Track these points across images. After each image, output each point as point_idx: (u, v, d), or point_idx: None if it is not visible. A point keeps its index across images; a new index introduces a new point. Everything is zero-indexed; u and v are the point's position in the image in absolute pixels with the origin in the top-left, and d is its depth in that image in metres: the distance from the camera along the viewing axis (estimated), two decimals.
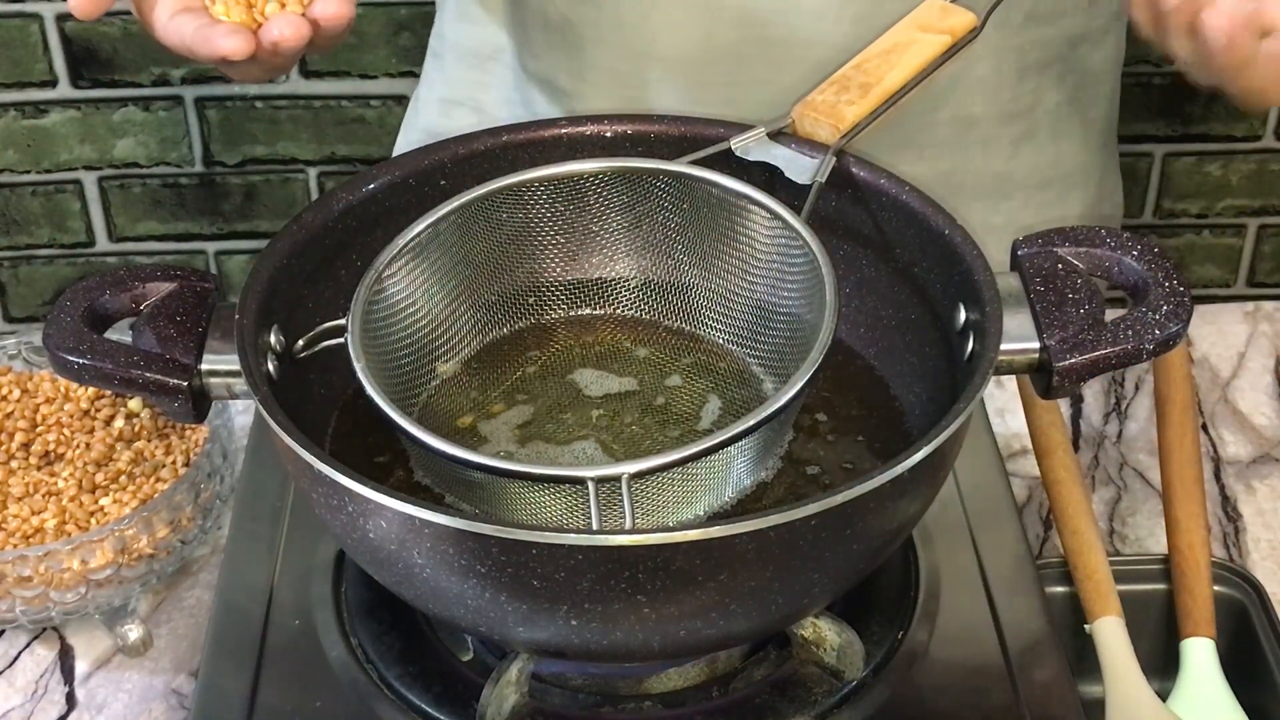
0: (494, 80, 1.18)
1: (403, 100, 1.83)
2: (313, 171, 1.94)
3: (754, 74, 1.06)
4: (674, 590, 0.70)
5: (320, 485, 0.73)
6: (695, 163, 0.85)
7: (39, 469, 0.96)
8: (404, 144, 1.27)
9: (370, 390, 0.76)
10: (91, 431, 0.98)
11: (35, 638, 0.95)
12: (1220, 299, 2.01)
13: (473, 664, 0.82)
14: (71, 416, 0.98)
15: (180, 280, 0.81)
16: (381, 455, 0.84)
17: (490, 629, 0.75)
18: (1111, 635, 0.90)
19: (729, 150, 0.86)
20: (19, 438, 0.97)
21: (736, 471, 0.79)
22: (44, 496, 0.94)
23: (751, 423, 0.73)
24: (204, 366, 0.78)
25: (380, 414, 0.75)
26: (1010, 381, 1.08)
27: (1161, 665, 0.93)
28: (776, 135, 0.86)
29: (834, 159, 0.85)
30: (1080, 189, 1.18)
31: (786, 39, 1.04)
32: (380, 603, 0.84)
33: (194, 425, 0.90)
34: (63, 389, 1.00)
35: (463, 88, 1.20)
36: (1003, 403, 1.08)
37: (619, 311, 0.91)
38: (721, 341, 0.88)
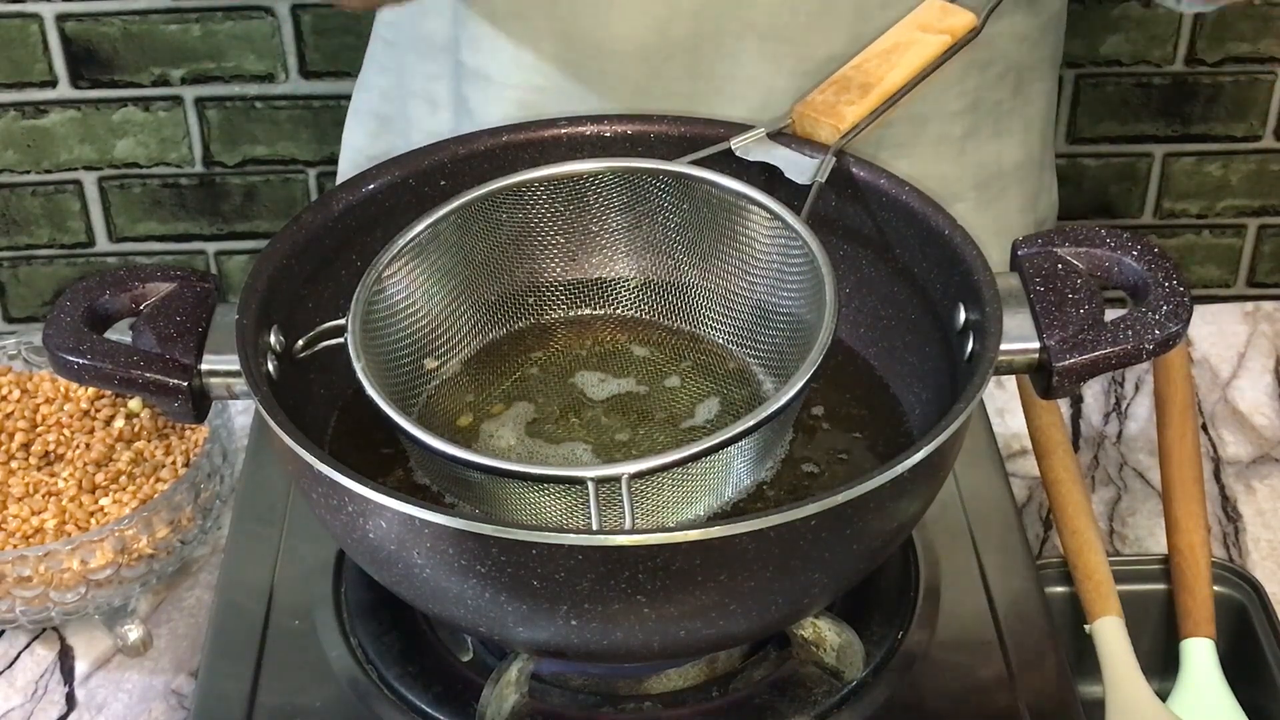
0: (446, 72, 1.17)
1: None
2: (313, 172, 1.94)
3: (710, 67, 1.05)
4: (674, 590, 0.70)
5: (320, 485, 0.73)
6: (695, 163, 0.85)
7: (39, 469, 0.96)
8: (354, 125, 1.26)
9: (370, 390, 0.76)
10: (91, 432, 0.98)
11: (35, 638, 0.95)
12: (1220, 299, 2.01)
13: (473, 664, 0.82)
14: (71, 416, 0.98)
15: (180, 280, 0.81)
16: (381, 454, 0.84)
17: (490, 629, 0.75)
18: (1111, 635, 0.90)
19: (729, 150, 0.86)
20: (19, 438, 0.97)
21: (736, 472, 0.79)
22: (44, 496, 0.94)
23: (751, 423, 0.73)
24: (204, 366, 0.78)
25: (380, 414, 0.75)
26: (1010, 381, 1.08)
27: (1161, 665, 0.93)
28: (776, 135, 0.86)
29: (834, 159, 0.85)
30: (1018, 186, 1.18)
31: (741, 32, 1.04)
32: (380, 603, 0.84)
33: (194, 425, 0.90)
34: (63, 389, 1.00)
35: (417, 79, 1.18)
36: (1003, 403, 1.08)
37: (619, 312, 0.91)
38: (721, 342, 0.88)
